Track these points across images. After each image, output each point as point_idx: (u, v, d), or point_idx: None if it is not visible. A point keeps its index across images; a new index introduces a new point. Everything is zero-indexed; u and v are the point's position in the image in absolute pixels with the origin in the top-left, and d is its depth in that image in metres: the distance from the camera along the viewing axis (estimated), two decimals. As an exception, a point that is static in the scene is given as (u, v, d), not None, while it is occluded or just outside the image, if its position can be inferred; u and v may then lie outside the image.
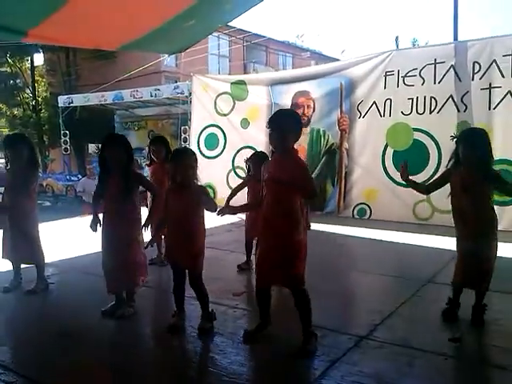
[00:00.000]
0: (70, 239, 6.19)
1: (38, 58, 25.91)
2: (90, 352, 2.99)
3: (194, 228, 3.21)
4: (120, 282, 3.59)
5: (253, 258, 4.84)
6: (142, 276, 3.70)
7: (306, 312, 2.87)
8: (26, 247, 4.13)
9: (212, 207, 3.18)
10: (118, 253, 3.53)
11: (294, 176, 2.79)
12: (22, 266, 4.30)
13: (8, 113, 25.49)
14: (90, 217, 3.64)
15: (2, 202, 4.23)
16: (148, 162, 5.29)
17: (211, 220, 3.62)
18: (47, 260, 4.35)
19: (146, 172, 5.84)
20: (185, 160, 3.20)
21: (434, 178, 3.50)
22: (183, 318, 3.34)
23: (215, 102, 9.42)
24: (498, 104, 6.75)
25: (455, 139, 3.36)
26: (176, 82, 20.33)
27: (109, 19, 4.97)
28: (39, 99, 24.91)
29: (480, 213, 3.22)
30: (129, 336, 3.30)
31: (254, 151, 8.82)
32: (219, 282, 4.20)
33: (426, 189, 3.82)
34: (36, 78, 25.38)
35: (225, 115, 9.35)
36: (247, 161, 4.74)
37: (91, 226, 3.58)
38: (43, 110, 24.44)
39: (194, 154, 3.35)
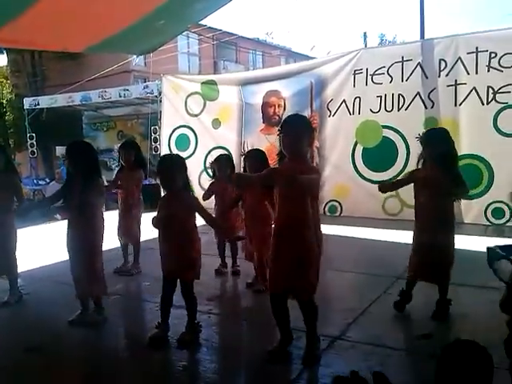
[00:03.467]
0: (41, 246, 6.04)
1: (2, 59, 25.23)
2: (60, 366, 2.93)
3: (188, 236, 3.17)
4: (85, 289, 3.53)
5: (227, 260, 4.87)
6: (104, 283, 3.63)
7: (314, 319, 2.82)
8: (1, 259, 4.02)
9: (208, 221, 3.19)
10: (80, 260, 3.47)
11: (310, 179, 2.74)
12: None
13: (-29, 116, 24.70)
14: (60, 222, 3.59)
15: None
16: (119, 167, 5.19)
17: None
18: (19, 269, 4.23)
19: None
20: (171, 166, 3.18)
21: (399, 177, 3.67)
22: (166, 330, 3.23)
23: (186, 103, 9.35)
24: (464, 100, 6.92)
25: (419, 140, 3.49)
26: (145, 81, 20.08)
27: (75, 21, 4.86)
28: (3, 101, 24.21)
29: (440, 208, 3.35)
30: (102, 347, 3.24)
31: (224, 152, 8.92)
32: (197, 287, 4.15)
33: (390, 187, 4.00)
34: (0, 79, 24.67)
35: (196, 116, 9.29)
36: (212, 164, 4.81)
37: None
38: (8, 113, 23.77)
39: (181, 159, 3.30)
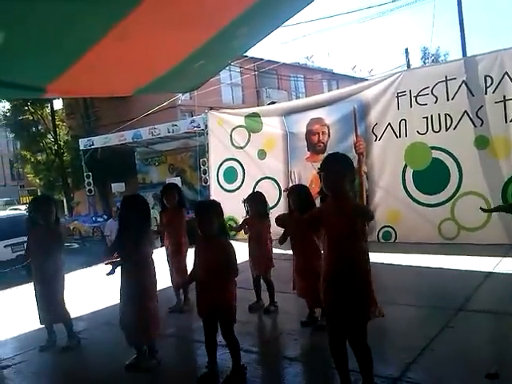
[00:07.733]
0: (100, 288, 6.22)
1: (58, 103, 26.74)
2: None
3: (224, 277, 3.21)
4: (138, 336, 3.61)
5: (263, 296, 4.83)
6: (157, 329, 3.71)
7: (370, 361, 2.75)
8: (54, 308, 4.18)
9: (231, 271, 3.20)
10: (133, 306, 3.56)
11: (355, 220, 2.76)
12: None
13: (32, 159, 26.21)
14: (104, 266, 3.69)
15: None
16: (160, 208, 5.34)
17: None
18: (79, 313, 4.37)
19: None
20: (208, 212, 3.27)
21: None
22: (216, 369, 3.32)
23: (231, 136, 9.52)
24: (515, 116, 6.65)
25: None
26: (192, 114, 20.68)
27: (123, 67, 5.10)
28: (61, 143, 25.56)
29: None
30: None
31: (271, 182, 8.99)
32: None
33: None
34: (56, 122, 26.10)
35: (241, 148, 9.43)
36: (245, 201, 4.85)
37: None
38: (65, 154, 25.05)
39: (218, 205, 3.38)
